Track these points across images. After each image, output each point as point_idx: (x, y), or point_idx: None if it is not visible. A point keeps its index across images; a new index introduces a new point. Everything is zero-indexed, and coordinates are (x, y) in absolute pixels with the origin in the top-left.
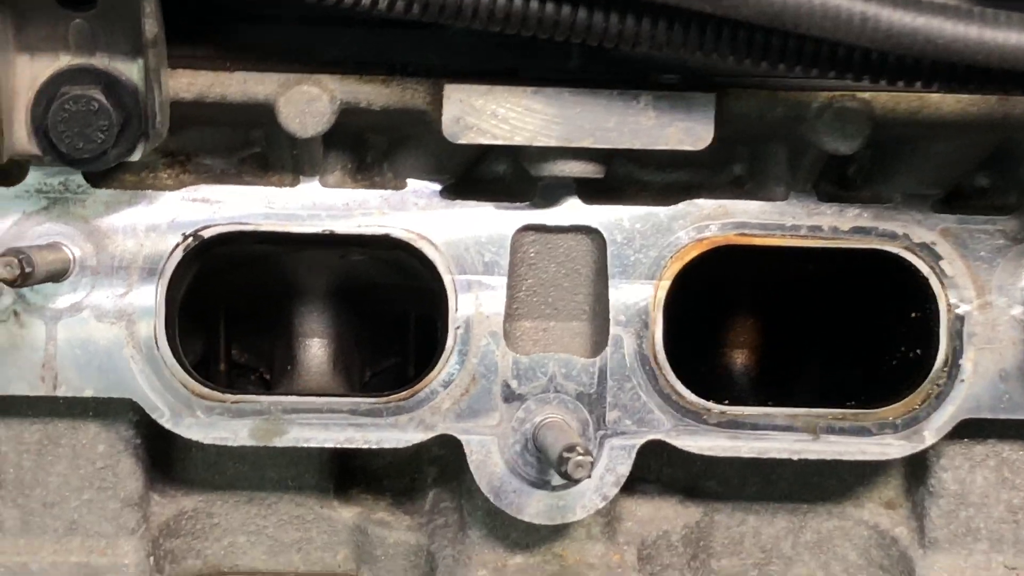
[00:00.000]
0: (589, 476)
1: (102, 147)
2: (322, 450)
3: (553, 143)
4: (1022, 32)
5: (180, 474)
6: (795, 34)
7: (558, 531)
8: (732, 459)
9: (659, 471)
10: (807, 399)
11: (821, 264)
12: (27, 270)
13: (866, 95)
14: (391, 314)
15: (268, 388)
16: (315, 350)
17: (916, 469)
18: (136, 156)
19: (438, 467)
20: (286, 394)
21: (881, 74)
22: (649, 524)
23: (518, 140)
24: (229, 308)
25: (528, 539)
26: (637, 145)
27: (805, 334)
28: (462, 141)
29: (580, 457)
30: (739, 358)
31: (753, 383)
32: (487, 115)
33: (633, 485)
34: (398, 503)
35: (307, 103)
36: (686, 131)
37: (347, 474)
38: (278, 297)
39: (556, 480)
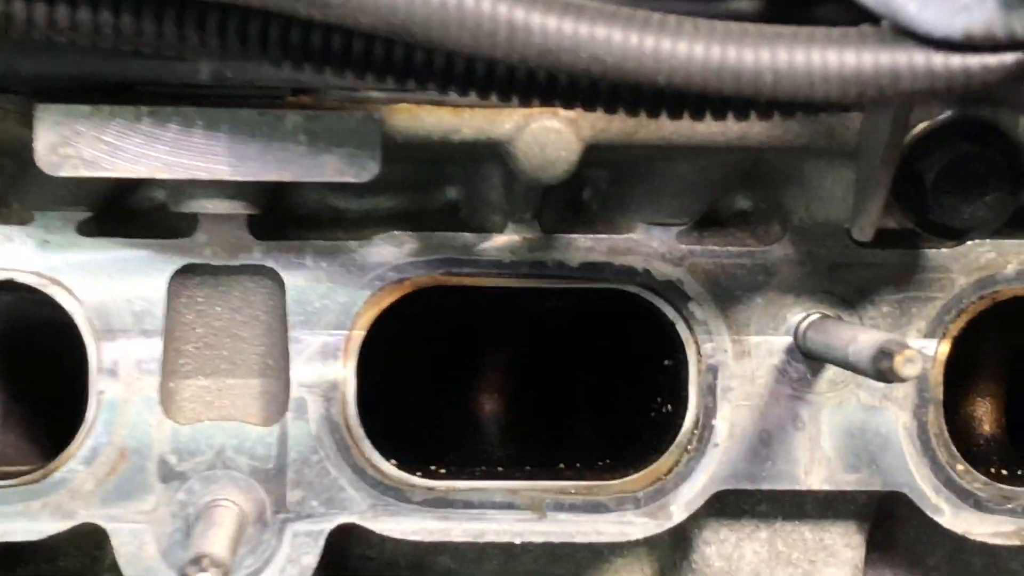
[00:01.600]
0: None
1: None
2: None
3: (177, 176)
4: (696, 43)
5: None
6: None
7: None
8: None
9: (379, 544)
10: (565, 455)
11: (565, 300)
12: None
13: (570, 112)
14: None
15: None
16: None
17: (679, 541)
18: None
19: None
20: None
21: (551, 95)
22: None
23: (130, 173)
24: None
25: None
26: (287, 177)
27: (560, 377)
28: (60, 174)
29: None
30: (487, 406)
31: (505, 432)
32: (92, 142)
33: (343, 562)
34: None
35: None
36: (348, 159)
37: (13, 553)
38: None
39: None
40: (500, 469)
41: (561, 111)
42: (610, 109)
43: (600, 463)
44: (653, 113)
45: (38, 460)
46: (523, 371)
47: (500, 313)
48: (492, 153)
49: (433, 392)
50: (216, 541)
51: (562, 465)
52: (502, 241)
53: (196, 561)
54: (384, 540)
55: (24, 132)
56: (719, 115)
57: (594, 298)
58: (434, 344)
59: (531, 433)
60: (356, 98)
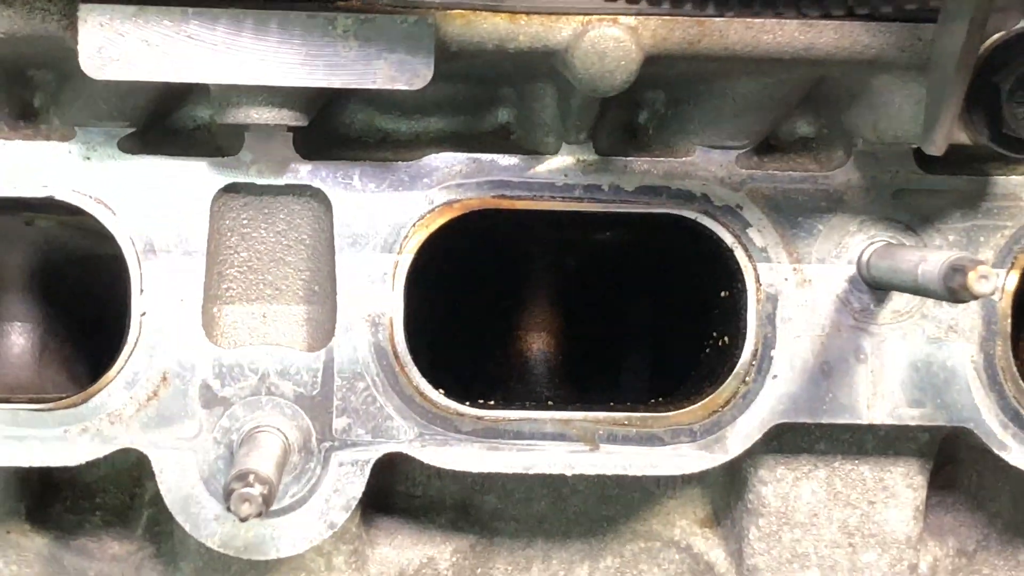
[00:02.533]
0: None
1: None
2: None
3: (224, 80)
4: None
5: None
6: None
7: (290, 564)
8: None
9: (424, 482)
10: (618, 394)
11: (621, 229)
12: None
13: (631, 19)
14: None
15: None
16: (13, 337)
17: (734, 481)
18: None
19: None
20: None
21: None
22: (410, 550)
23: (176, 76)
24: None
25: (252, 573)
26: (337, 83)
27: (612, 313)
28: (104, 77)
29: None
30: (535, 344)
31: (554, 372)
32: (137, 43)
33: (389, 500)
34: (107, 525)
35: None
36: (399, 65)
37: (50, 489)
38: None
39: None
40: (551, 404)
41: (621, 18)
42: (677, 3)
43: (654, 400)
44: (721, 8)
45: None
46: (575, 305)
47: (552, 242)
48: (547, 68)
49: (482, 326)
50: (261, 461)
51: (613, 404)
52: (556, 163)
53: (242, 477)
54: (429, 478)
55: (66, 35)
56: (791, 10)
57: (650, 226)
58: (484, 274)
59: (582, 371)
60: (409, 2)
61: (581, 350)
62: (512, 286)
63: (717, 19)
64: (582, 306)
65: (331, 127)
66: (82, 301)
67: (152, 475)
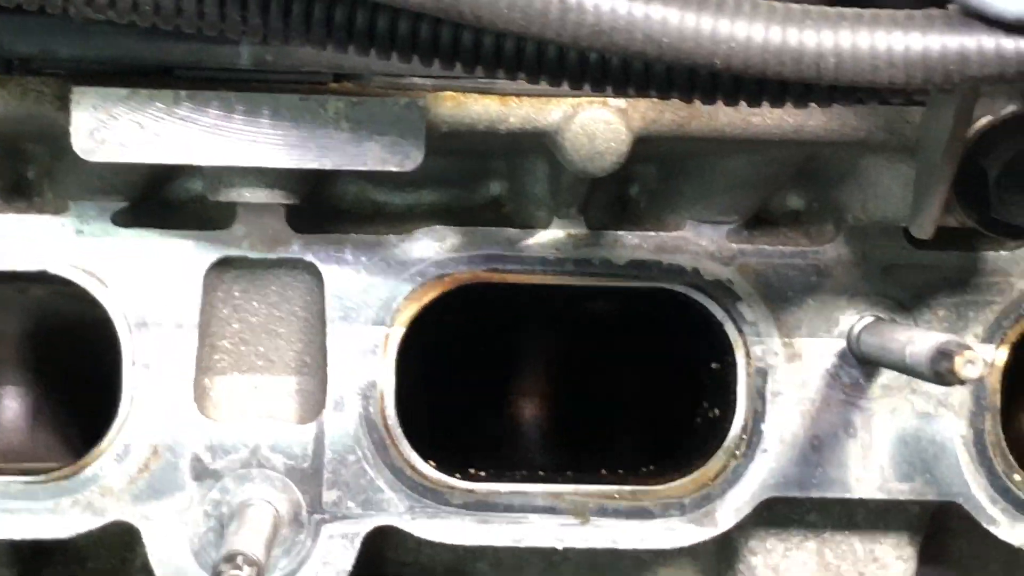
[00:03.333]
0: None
1: None
2: None
3: (215, 162)
4: (755, 23)
5: None
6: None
7: None
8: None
9: (415, 549)
10: (608, 461)
11: (610, 300)
12: None
13: (620, 102)
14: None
15: None
16: (7, 401)
17: (725, 551)
18: None
19: None
20: None
21: (603, 80)
22: None
23: (168, 158)
24: None
25: None
26: (328, 165)
27: (605, 382)
28: (97, 159)
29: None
30: (528, 411)
31: (547, 439)
32: (129, 126)
33: (380, 568)
34: None
35: None
36: (390, 147)
37: (41, 554)
38: None
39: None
40: (542, 474)
41: (610, 100)
42: (664, 95)
43: (644, 469)
44: (708, 99)
45: (69, 460)
46: (566, 374)
47: (543, 313)
48: (538, 146)
49: (473, 395)
50: (250, 540)
51: (604, 472)
52: (546, 237)
53: (230, 559)
54: (421, 545)
55: (59, 116)
56: (777, 101)
57: (640, 298)
58: (475, 345)
59: (573, 439)
60: (400, 85)
61: (574, 417)
62: (506, 356)
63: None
64: (574, 375)
65: (323, 200)
66: (76, 365)
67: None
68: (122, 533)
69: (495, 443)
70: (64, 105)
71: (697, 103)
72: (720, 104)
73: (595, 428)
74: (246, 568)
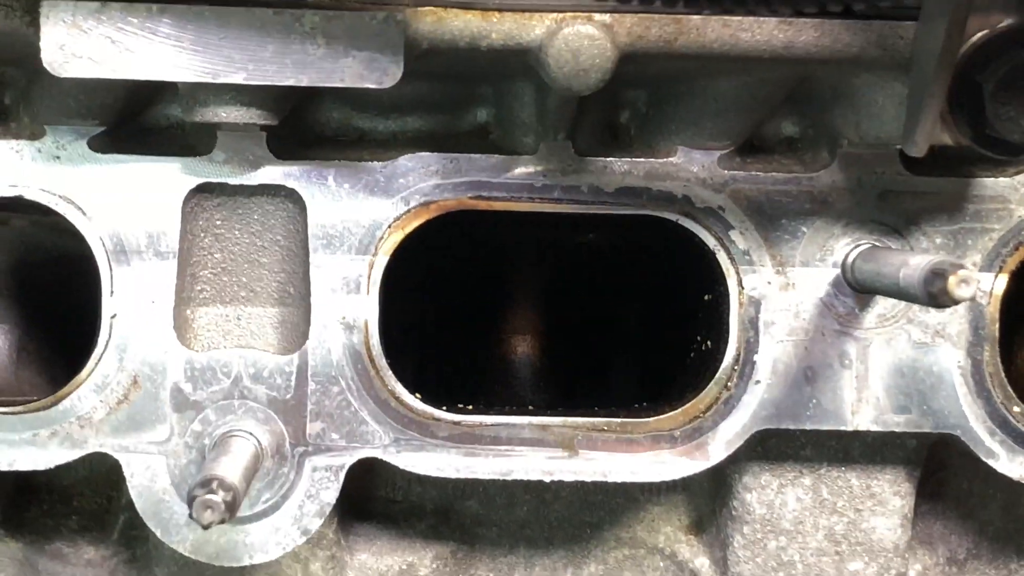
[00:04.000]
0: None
1: None
2: None
3: (189, 78)
4: None
5: None
6: None
7: (266, 570)
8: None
9: (404, 488)
10: (600, 399)
11: (600, 231)
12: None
13: (605, 16)
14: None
15: None
16: None
17: (719, 487)
18: None
19: None
20: None
21: None
22: (390, 556)
23: (140, 74)
24: None
25: None
26: (304, 81)
27: (598, 316)
28: (67, 74)
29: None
30: (519, 347)
31: (539, 376)
32: (100, 40)
33: (368, 505)
34: (84, 529)
35: None
36: (367, 63)
37: (28, 491)
38: None
39: (244, 510)
40: (531, 409)
41: (596, 16)
42: (647, 3)
43: (636, 406)
44: (693, 7)
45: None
46: (555, 310)
47: (533, 245)
48: (523, 67)
49: (460, 331)
50: (228, 467)
51: (596, 408)
52: (533, 164)
53: (206, 483)
54: (410, 483)
55: (30, 33)
56: (764, 8)
57: (630, 228)
58: (461, 278)
59: (568, 375)
60: (378, 0)
61: (566, 354)
62: (494, 288)
63: (694, 16)
64: (566, 310)
65: (306, 126)
66: (59, 301)
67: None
68: (107, 472)
69: (485, 382)
70: (34, 20)
71: (685, 18)
72: (709, 17)
73: (588, 366)
74: (220, 492)
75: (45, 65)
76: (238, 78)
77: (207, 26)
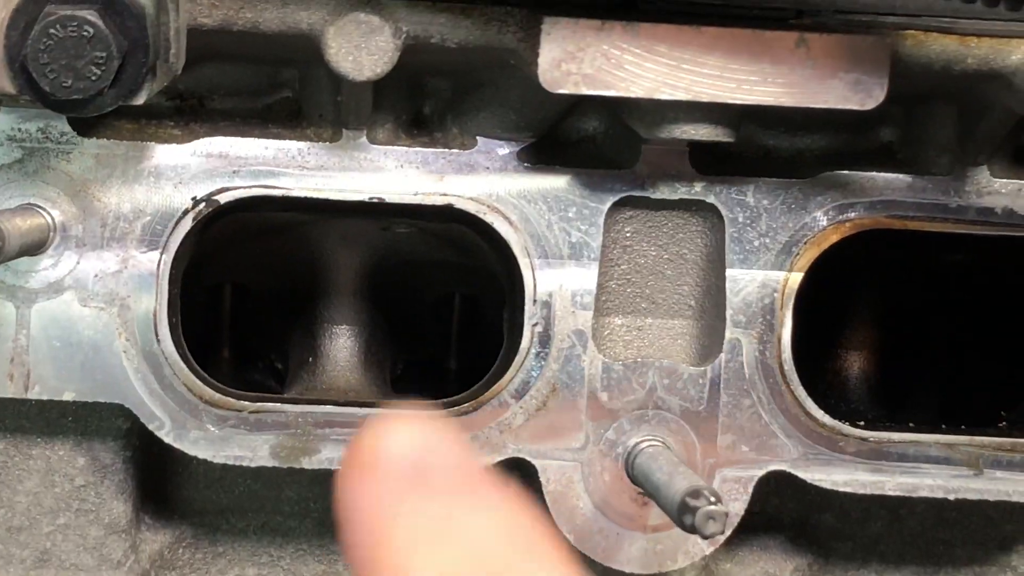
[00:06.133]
0: (723, 532)
1: (97, 85)
2: None
3: (681, 96)
4: None
5: (176, 493)
6: None
7: None
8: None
9: (764, 500)
10: (949, 419)
11: (971, 253)
12: None
13: None
14: (432, 296)
15: (281, 380)
16: (343, 340)
17: None
18: (140, 98)
19: None
20: (313, 398)
21: None
22: (752, 566)
23: (635, 91)
24: (237, 282)
25: None
26: (789, 102)
27: (942, 337)
28: (563, 90)
29: (712, 507)
30: (855, 364)
31: (872, 394)
32: (595, 58)
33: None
34: None
35: (364, 36)
36: (853, 85)
37: None
38: (301, 273)
39: (652, 519)
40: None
41: None
42: None
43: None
44: None
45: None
46: (959, 323)
47: (898, 268)
48: (957, 91)
49: (864, 344)
50: (690, 476)
51: (1003, 420)
52: (950, 185)
53: (696, 493)
54: (767, 495)
55: (520, 47)
56: None
57: (1005, 254)
58: (867, 291)
59: (965, 388)
60: (861, 22)
61: (964, 366)
62: (897, 304)
63: None
64: (905, 326)
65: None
66: (400, 306)
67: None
68: None
69: (889, 395)
70: (528, 36)
71: None
72: None
73: (986, 377)
74: (717, 505)
75: (541, 82)
76: (726, 97)
77: (700, 46)
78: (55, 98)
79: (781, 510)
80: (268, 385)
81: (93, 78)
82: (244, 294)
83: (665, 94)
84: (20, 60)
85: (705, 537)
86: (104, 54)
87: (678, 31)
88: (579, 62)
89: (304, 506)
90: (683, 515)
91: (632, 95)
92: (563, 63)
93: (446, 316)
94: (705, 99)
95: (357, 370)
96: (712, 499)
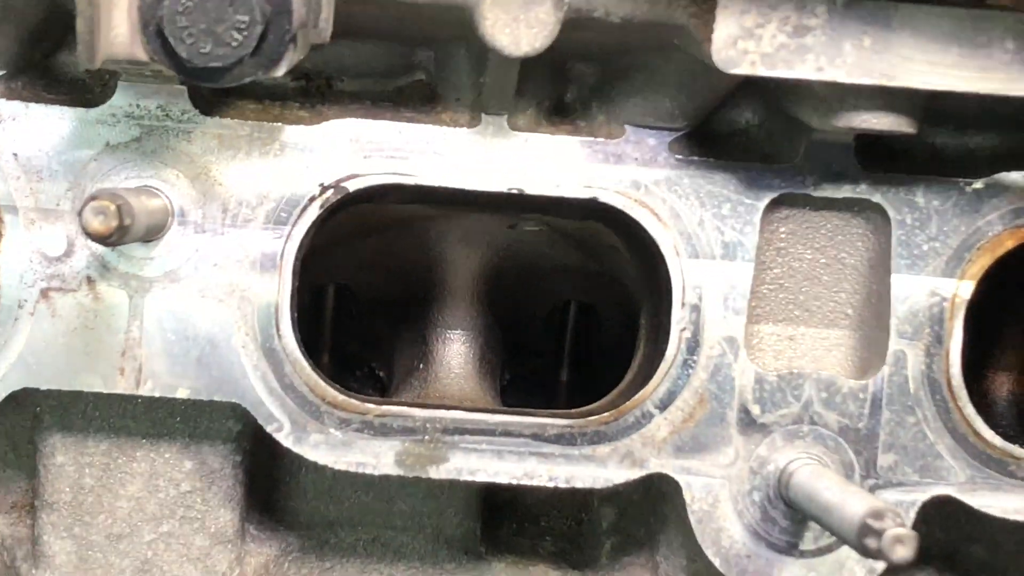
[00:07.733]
0: (911, 557)
1: (237, 53)
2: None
3: (868, 80)
4: None
5: (284, 503)
6: None
7: None
8: (1003, 518)
9: (914, 528)
10: None
11: None
12: (126, 222)
13: None
14: (547, 302)
15: (382, 389)
16: (457, 345)
17: None
18: (281, 69)
19: (615, 508)
20: (435, 404)
21: None
22: None
23: (808, 75)
24: (340, 283)
25: None
26: (985, 89)
27: None
28: (737, 71)
29: (899, 530)
30: (1004, 386)
31: (1020, 420)
32: (773, 38)
33: None
34: (562, 553)
35: (523, 7)
36: None
37: (494, 509)
38: (414, 274)
39: (807, 543)
40: None
41: None
42: None
43: None
44: None
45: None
46: None
47: None
48: None
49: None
50: (868, 498)
51: None
52: None
53: (878, 515)
54: (912, 525)
55: (691, 24)
56: None
57: None
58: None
59: None
60: None
61: None
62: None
63: None
64: None
65: (882, 139)
66: (514, 312)
67: (603, 501)
68: (575, 492)
69: None
70: (701, 11)
71: None
72: None
73: None
74: (902, 527)
75: (715, 62)
76: (919, 83)
77: (892, 28)
78: (192, 65)
79: (929, 540)
80: (368, 394)
81: (234, 44)
82: (347, 296)
83: (856, 78)
84: (155, 23)
85: (891, 562)
86: (247, 18)
87: (872, 12)
88: (756, 41)
89: (418, 521)
90: (865, 538)
91: (820, 78)
92: (740, 40)
93: (559, 324)
94: (895, 84)
95: (472, 378)
96: (898, 520)
